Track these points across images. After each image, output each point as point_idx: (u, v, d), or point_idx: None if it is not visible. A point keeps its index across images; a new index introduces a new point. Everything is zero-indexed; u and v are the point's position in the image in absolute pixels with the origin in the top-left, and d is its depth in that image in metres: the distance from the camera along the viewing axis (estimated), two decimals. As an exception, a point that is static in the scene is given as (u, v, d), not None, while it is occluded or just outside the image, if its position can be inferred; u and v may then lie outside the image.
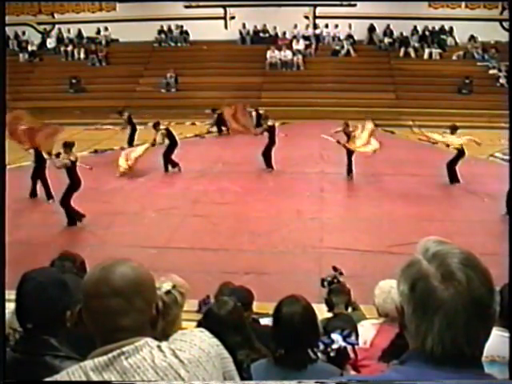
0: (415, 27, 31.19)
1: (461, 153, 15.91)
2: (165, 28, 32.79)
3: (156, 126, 18.47)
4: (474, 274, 1.57)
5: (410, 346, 1.67)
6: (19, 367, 2.64)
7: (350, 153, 16.85)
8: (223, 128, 24.16)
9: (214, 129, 24.40)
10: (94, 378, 1.78)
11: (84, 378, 1.79)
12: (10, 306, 6.42)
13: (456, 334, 1.55)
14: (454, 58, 29.86)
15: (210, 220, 13.80)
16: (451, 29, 30.98)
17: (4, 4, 3.50)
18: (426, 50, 30.55)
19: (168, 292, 3.80)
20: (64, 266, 4.24)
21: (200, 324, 4.06)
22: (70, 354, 2.66)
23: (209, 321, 4.00)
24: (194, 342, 1.91)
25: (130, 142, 20.14)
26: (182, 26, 32.45)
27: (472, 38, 30.21)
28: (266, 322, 5.32)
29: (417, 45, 30.90)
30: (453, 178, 16.03)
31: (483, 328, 1.59)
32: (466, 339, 1.55)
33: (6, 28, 32.28)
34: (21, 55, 32.76)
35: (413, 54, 30.72)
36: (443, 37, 31.04)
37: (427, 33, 31.10)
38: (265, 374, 3.56)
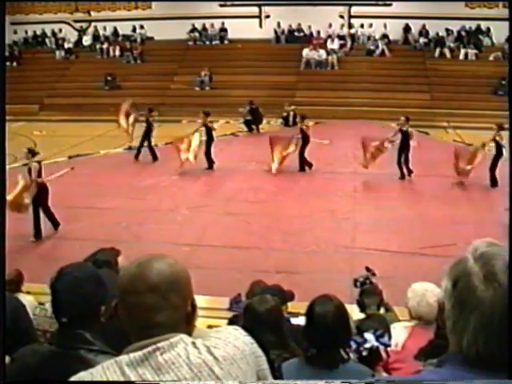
0: (451, 27, 30.89)
1: (498, 153, 15.69)
2: (197, 26, 32.92)
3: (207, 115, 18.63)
4: None
5: (450, 344, 1.66)
6: (54, 360, 2.68)
7: (407, 150, 16.73)
8: (253, 126, 24.31)
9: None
10: (129, 372, 1.79)
11: (119, 373, 1.80)
12: (27, 298, 6.47)
13: (490, 335, 1.53)
14: (491, 58, 29.51)
15: (242, 218, 13.82)
16: (488, 29, 30.62)
17: (4, 4, 3.52)
18: (462, 51, 30.22)
19: None
20: (100, 261, 4.28)
21: (232, 321, 4.06)
22: (103, 349, 2.69)
23: (247, 316, 4.00)
24: (229, 339, 1.91)
25: (144, 140, 19.85)
26: (223, 23, 32.56)
27: (510, 38, 29.80)
28: (297, 321, 5.31)
29: (452, 45, 30.59)
30: (492, 181, 15.82)
31: None
32: (498, 342, 1.54)
33: (44, 26, 32.81)
34: (57, 52, 33.15)
35: (448, 55, 30.43)
36: (480, 37, 30.71)
37: (463, 33, 30.77)
38: (296, 373, 3.56)
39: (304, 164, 17.79)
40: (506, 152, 15.44)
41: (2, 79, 3.32)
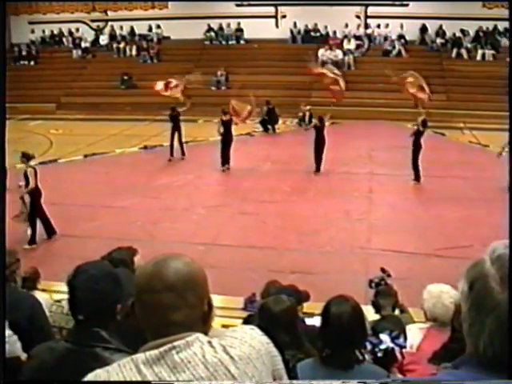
0: (468, 28, 30.73)
1: None
2: (214, 26, 33.01)
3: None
4: None
5: (466, 346, 1.65)
6: (70, 357, 2.69)
7: (415, 154, 16.60)
8: (269, 126, 24.33)
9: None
10: (145, 371, 1.79)
11: (135, 371, 1.81)
12: (43, 296, 6.48)
13: (506, 337, 1.51)
14: (508, 59, 29.33)
15: (257, 218, 13.82)
16: (506, 29, 30.39)
17: (4, 4, 3.55)
18: (479, 51, 30.07)
19: None
20: (116, 260, 4.29)
21: (247, 320, 4.05)
22: (119, 347, 2.69)
23: (262, 316, 3.99)
24: (245, 338, 1.91)
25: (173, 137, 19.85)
26: (239, 23, 32.71)
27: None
28: (311, 321, 5.30)
29: (470, 45, 30.45)
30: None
31: None
32: None
33: (61, 25, 32.98)
34: (74, 52, 33.32)
35: (465, 55, 30.28)
36: (497, 37, 30.53)
37: (481, 33, 30.60)
38: (311, 373, 3.55)
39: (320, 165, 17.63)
40: None
41: (2, 79, 3.34)
